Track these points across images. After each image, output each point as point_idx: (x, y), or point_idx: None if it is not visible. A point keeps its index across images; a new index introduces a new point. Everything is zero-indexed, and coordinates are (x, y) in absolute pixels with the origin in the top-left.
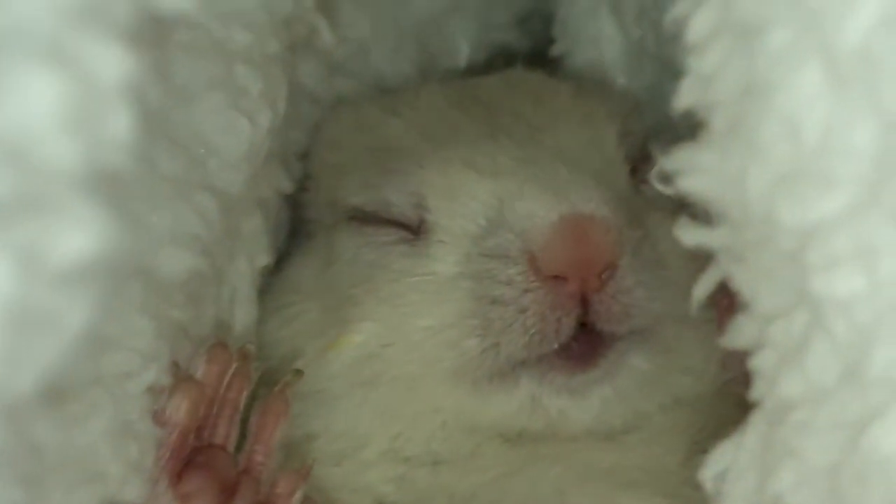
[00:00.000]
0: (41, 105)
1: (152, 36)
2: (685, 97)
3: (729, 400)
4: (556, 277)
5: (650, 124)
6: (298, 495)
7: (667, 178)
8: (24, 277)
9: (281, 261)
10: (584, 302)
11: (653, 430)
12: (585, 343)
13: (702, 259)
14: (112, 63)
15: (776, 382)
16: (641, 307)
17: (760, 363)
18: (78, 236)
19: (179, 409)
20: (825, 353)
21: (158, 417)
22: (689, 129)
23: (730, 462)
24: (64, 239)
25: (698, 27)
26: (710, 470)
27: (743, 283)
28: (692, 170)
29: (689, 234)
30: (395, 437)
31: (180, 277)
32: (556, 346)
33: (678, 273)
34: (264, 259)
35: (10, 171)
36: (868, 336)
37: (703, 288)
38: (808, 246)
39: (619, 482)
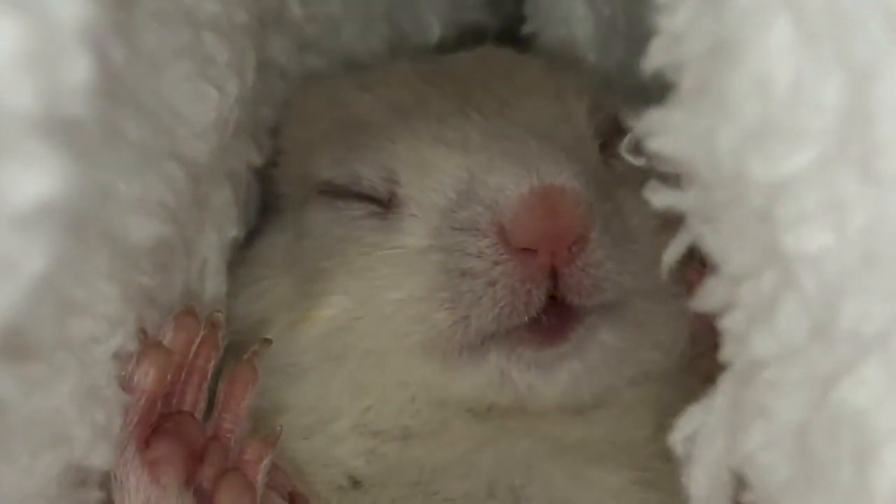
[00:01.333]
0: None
1: None
2: (655, 57)
3: (697, 375)
4: (525, 250)
5: (620, 102)
6: (266, 462)
7: (637, 149)
8: None
9: (251, 237)
10: (554, 275)
11: (622, 405)
12: (555, 316)
13: (670, 234)
14: (71, 7)
15: (746, 342)
16: (611, 281)
17: (730, 324)
18: (35, 179)
19: (147, 375)
20: (795, 311)
21: (125, 383)
22: (658, 102)
23: (699, 425)
24: (20, 182)
25: None
26: (680, 433)
27: (713, 244)
28: (662, 130)
29: (658, 197)
30: (364, 410)
31: (147, 244)
32: (525, 319)
33: (647, 248)
34: (233, 231)
35: None
36: (837, 291)
37: (672, 253)
38: (777, 202)
39: (587, 456)
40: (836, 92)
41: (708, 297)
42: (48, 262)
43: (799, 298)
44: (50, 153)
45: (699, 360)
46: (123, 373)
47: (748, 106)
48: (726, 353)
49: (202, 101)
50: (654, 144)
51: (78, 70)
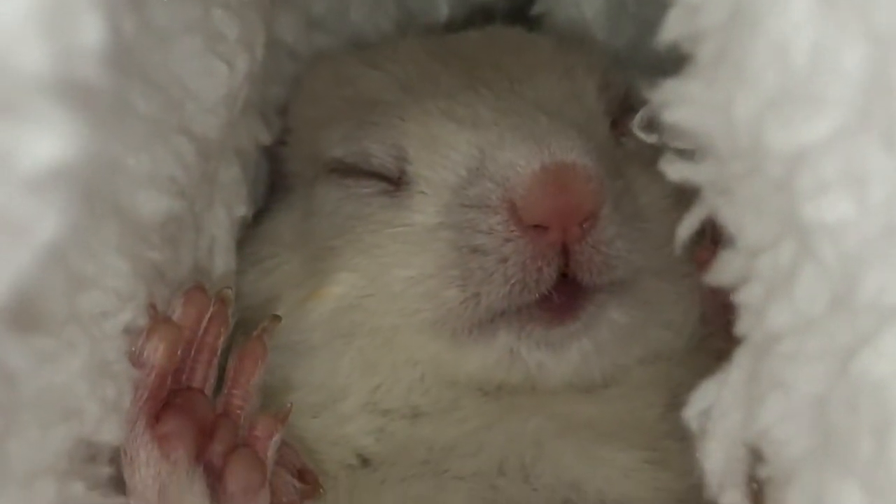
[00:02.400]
0: (12, 8)
1: None
2: (672, 29)
3: (708, 354)
4: (536, 227)
5: (630, 81)
6: (276, 438)
7: (648, 126)
8: None
9: (259, 216)
10: (565, 252)
11: (632, 384)
12: (565, 294)
13: (681, 213)
14: None
15: (763, 315)
16: (622, 258)
17: (747, 297)
18: (48, 141)
19: (157, 350)
20: (813, 282)
21: (136, 358)
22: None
23: (714, 399)
24: (33, 143)
25: None
26: (694, 408)
27: (729, 216)
28: (679, 101)
29: (674, 170)
30: (374, 389)
31: (157, 219)
32: (536, 296)
33: (658, 226)
34: (242, 209)
35: None
36: (857, 262)
37: (687, 227)
38: (796, 172)
39: (598, 435)
40: (858, 60)
41: (723, 270)
42: (60, 228)
43: (818, 269)
44: (62, 116)
45: (710, 340)
46: (133, 348)
47: (767, 74)
48: (742, 326)
49: (212, 77)
50: (671, 116)
51: (90, 33)
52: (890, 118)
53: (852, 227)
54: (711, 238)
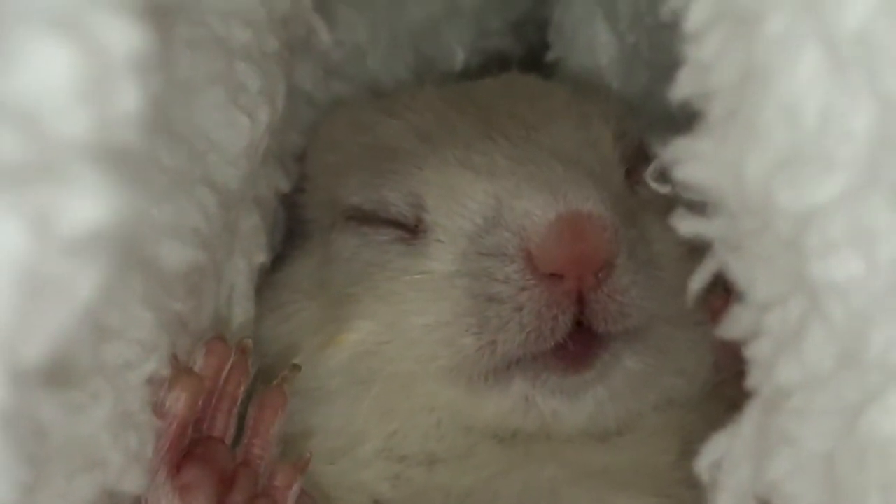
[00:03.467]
0: (54, 74)
1: (158, 23)
2: (683, 87)
3: (721, 402)
4: (552, 275)
5: (644, 129)
6: (296, 488)
7: (662, 177)
8: (36, 243)
9: (277, 262)
10: (581, 300)
11: (646, 431)
12: (580, 342)
13: (694, 261)
14: (123, 37)
15: (772, 370)
16: (636, 307)
17: (756, 352)
18: (88, 205)
19: (179, 400)
20: (822, 339)
21: (158, 409)
22: (683, 129)
23: (725, 451)
24: (74, 207)
25: (696, 15)
26: (705, 459)
27: (739, 271)
28: (690, 158)
29: (685, 225)
30: (390, 435)
31: (181, 270)
32: (551, 344)
33: (672, 274)
34: (261, 257)
35: (23, 137)
36: (865, 320)
37: (699, 280)
38: (805, 231)
39: (612, 482)
40: (866, 120)
41: (734, 324)
42: (97, 288)
43: (826, 326)
44: (101, 179)
45: (723, 387)
46: (156, 398)
47: (777, 134)
48: (752, 380)
49: (234, 129)
50: (682, 173)
51: (128, 99)
52: None
53: (860, 284)
54: (724, 287)
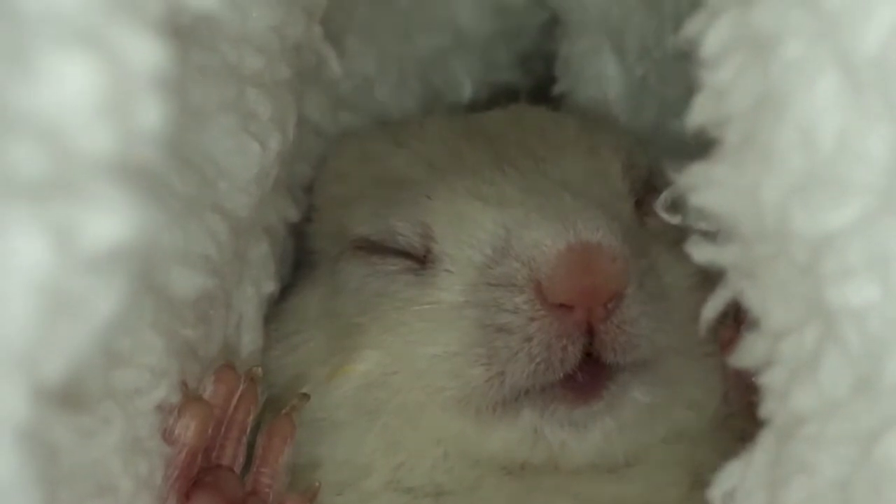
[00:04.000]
0: (76, 89)
1: (177, 43)
2: (699, 113)
3: (731, 434)
4: (562, 306)
5: (653, 161)
6: None
7: (672, 207)
8: (58, 258)
9: (285, 292)
10: (590, 331)
11: (655, 464)
12: (589, 373)
13: (704, 292)
14: (145, 53)
15: (787, 398)
16: (646, 338)
17: (771, 380)
18: (109, 222)
19: (188, 428)
20: (838, 365)
21: (167, 436)
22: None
23: (738, 481)
24: (95, 223)
25: (712, 41)
26: (719, 489)
27: (754, 299)
28: (705, 184)
29: (699, 252)
30: (397, 467)
31: (191, 296)
32: (560, 375)
33: (681, 306)
34: (270, 286)
35: (44, 152)
36: (882, 345)
37: (712, 308)
38: (822, 257)
39: None
40: (883, 144)
41: (747, 353)
42: (116, 307)
43: (842, 353)
44: (122, 196)
45: (732, 419)
46: (166, 425)
47: (793, 159)
48: (766, 409)
49: (245, 156)
50: (698, 199)
51: (150, 116)
52: None
53: (877, 310)
54: (735, 318)
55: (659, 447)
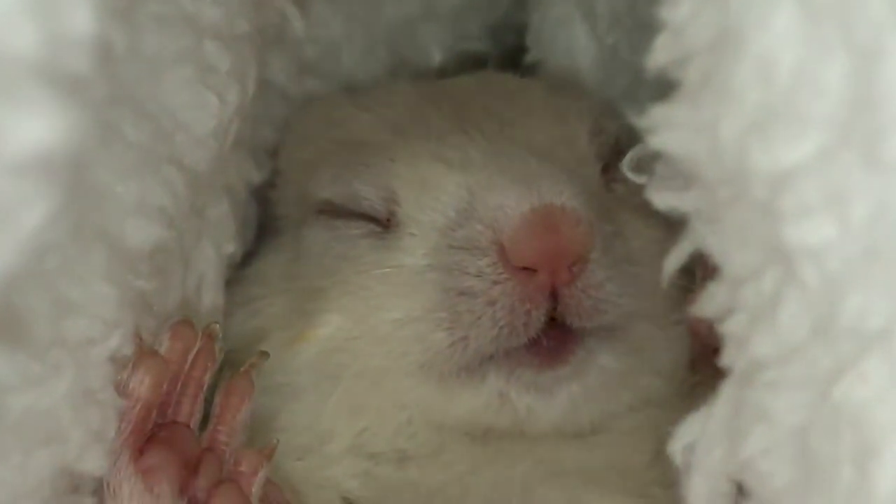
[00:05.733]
0: None
1: None
2: (659, 54)
3: (698, 402)
4: (525, 269)
5: (623, 131)
6: (262, 475)
7: (639, 167)
8: None
9: (248, 259)
10: (554, 295)
11: (621, 431)
12: (554, 338)
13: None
14: None
15: (746, 344)
16: (612, 303)
17: (731, 328)
18: (35, 125)
19: (142, 383)
20: (796, 308)
21: (121, 389)
22: None
23: (699, 433)
24: (20, 127)
25: None
26: (679, 442)
27: (715, 245)
28: (665, 125)
29: (661, 198)
30: (360, 432)
31: (145, 248)
32: (525, 340)
33: (649, 271)
34: (231, 247)
35: None
36: (839, 286)
37: (674, 259)
38: (779, 195)
39: (586, 481)
40: (840, 76)
41: (709, 301)
42: (45, 216)
43: (800, 295)
44: (50, 101)
45: (699, 388)
46: (119, 377)
47: (751, 94)
48: (727, 357)
49: (202, 109)
50: (658, 141)
51: (79, 24)
52: (871, 135)
53: (834, 249)
54: (703, 278)
55: (625, 414)
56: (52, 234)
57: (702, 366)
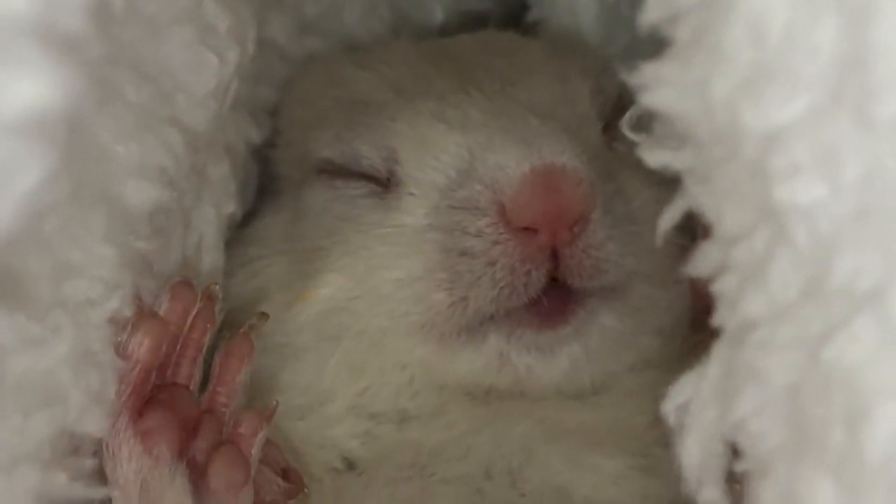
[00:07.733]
0: None
1: None
2: (651, 11)
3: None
4: (526, 229)
5: (624, 90)
6: (261, 436)
7: (639, 125)
8: None
9: (249, 219)
10: (555, 256)
11: (621, 391)
12: (555, 299)
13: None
14: None
15: (738, 304)
16: (613, 263)
17: (723, 287)
18: (30, 85)
19: (141, 345)
20: (787, 267)
21: (121, 351)
22: None
23: (692, 393)
24: (16, 86)
25: None
26: (672, 402)
27: (707, 204)
28: (656, 83)
29: (653, 157)
30: (360, 392)
31: (145, 209)
32: (525, 300)
33: (649, 231)
34: (231, 207)
35: None
36: (830, 245)
37: (669, 218)
38: (770, 153)
39: (586, 441)
40: (831, 34)
41: (702, 261)
42: (43, 176)
43: (791, 254)
44: (45, 61)
45: (700, 349)
46: (119, 339)
47: (742, 52)
48: (719, 317)
49: (202, 69)
50: (649, 99)
51: None
52: (862, 94)
53: (825, 208)
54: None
55: (626, 375)
56: (50, 196)
57: (702, 325)
